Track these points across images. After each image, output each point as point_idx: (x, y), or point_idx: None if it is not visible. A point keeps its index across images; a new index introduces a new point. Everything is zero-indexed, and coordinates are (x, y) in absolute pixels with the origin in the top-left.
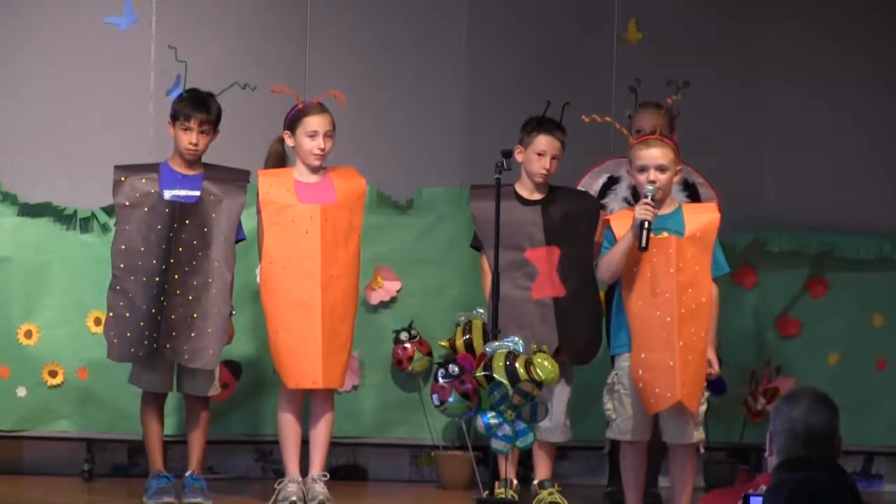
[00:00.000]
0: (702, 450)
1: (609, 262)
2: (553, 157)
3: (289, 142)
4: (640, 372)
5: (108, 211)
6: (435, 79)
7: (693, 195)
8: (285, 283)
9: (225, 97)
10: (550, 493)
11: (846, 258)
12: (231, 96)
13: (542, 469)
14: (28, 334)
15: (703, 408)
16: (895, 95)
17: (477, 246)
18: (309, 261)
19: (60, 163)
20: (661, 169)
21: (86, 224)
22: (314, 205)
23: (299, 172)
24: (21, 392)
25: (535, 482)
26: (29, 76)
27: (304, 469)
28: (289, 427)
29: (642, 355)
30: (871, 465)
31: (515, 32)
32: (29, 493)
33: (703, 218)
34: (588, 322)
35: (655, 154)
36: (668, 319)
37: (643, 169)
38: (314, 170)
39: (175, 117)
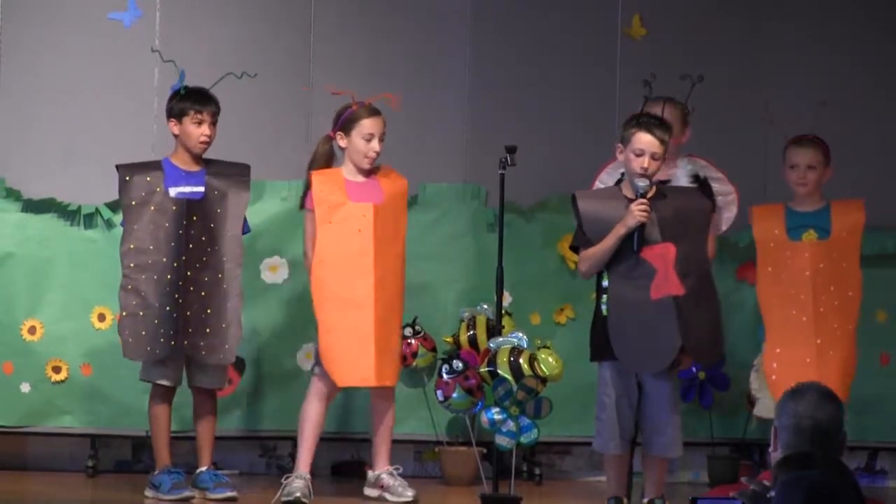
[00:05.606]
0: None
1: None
2: (653, 157)
3: (341, 143)
4: (774, 365)
5: (112, 207)
6: (439, 74)
7: (704, 190)
8: (337, 281)
9: (226, 90)
10: None
11: None
12: (231, 89)
13: (651, 486)
14: (32, 330)
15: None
16: None
17: (577, 245)
18: (362, 259)
19: (64, 159)
20: (810, 168)
21: (89, 220)
22: (366, 203)
23: (348, 172)
24: (25, 388)
25: (645, 500)
26: (32, 72)
27: (313, 466)
28: (313, 422)
29: (777, 350)
30: (876, 460)
31: (519, 28)
32: (33, 489)
33: (850, 219)
34: (709, 320)
35: (809, 153)
36: (804, 319)
37: (794, 167)
38: (364, 171)
39: (183, 113)
